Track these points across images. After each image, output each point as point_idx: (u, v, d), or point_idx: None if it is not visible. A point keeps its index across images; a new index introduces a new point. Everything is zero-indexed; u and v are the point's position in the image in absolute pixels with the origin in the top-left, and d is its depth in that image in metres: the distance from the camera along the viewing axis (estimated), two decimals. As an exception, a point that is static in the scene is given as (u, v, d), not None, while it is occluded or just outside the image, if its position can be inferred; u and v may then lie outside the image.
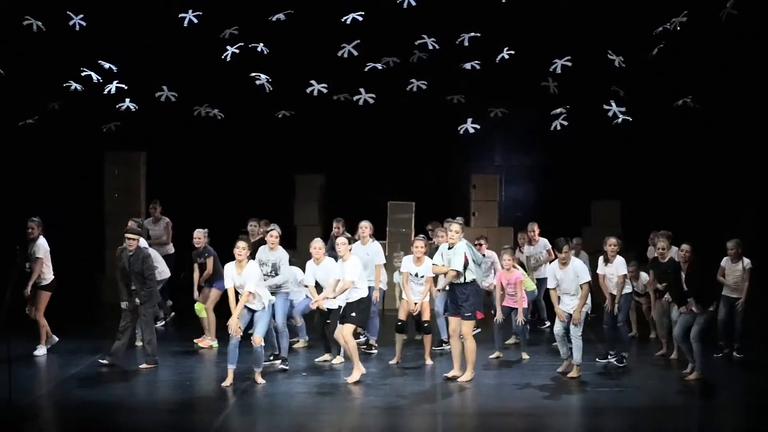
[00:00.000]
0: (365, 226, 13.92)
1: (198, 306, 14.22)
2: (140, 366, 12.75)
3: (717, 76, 15.63)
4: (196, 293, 14.18)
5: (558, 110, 15.09)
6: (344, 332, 12.14)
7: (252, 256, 12.50)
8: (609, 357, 13.07)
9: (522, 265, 15.03)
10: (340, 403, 11.34)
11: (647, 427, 10.51)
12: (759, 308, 13.39)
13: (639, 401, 11.43)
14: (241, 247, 11.92)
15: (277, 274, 12.95)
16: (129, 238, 12.81)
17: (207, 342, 14.07)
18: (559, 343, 12.53)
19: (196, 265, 14.25)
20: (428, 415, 10.89)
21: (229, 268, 11.99)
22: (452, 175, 18.95)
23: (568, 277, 12.32)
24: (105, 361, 12.78)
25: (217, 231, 14.56)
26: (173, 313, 15.72)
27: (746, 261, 13.14)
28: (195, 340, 14.26)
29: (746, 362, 13.14)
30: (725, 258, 13.26)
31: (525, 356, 13.46)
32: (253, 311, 12.01)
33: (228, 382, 11.83)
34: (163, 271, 14.59)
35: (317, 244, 12.98)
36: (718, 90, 15.87)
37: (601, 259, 13.24)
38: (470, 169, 18.81)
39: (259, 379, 11.99)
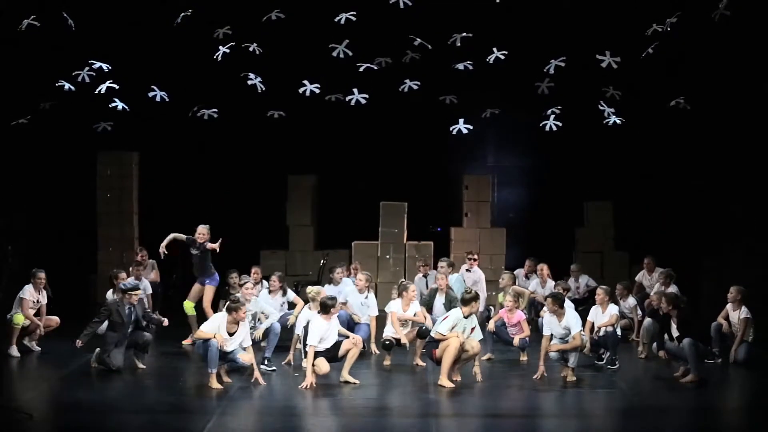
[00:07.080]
0: (362, 279, 13.85)
1: (187, 304, 14.22)
2: (139, 366, 12.77)
3: (709, 77, 15.64)
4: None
5: (550, 111, 15.11)
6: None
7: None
8: (599, 361, 13.07)
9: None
10: (331, 405, 11.31)
11: (641, 428, 10.50)
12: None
13: (632, 403, 11.43)
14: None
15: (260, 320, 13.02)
16: (132, 295, 12.65)
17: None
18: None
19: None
20: (421, 417, 10.86)
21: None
22: (445, 175, 18.94)
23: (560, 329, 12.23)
24: (95, 365, 12.77)
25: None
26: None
27: (744, 310, 13.17)
28: (183, 342, 14.28)
29: (739, 363, 13.14)
30: (729, 304, 13.32)
31: (523, 358, 13.39)
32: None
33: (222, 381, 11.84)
34: (146, 287, 14.98)
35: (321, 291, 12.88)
36: (711, 91, 15.89)
37: (593, 309, 13.11)
38: (463, 169, 18.80)
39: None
